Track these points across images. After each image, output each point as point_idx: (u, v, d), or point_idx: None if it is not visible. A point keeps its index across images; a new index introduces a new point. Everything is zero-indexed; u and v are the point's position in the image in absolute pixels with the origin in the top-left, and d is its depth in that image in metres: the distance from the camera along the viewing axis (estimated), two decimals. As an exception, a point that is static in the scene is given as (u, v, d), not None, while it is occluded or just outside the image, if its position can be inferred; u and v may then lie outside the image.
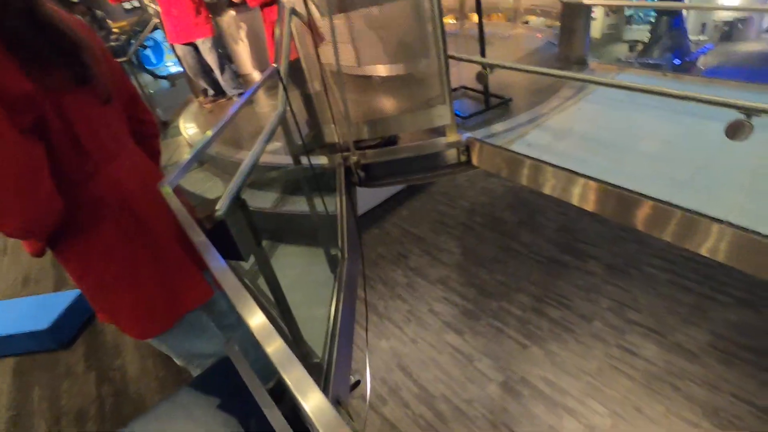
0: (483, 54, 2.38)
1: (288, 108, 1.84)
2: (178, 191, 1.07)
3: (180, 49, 3.52)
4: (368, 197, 4.96)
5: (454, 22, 4.30)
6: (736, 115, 1.15)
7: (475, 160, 2.20)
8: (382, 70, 3.20)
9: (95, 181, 1.01)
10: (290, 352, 0.57)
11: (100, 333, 3.03)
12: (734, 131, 1.14)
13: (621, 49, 4.77)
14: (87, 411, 2.71)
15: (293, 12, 1.87)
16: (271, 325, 0.61)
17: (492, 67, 2.04)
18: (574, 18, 2.67)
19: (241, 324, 1.21)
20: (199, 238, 0.85)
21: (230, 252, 1.04)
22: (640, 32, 4.54)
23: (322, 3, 1.94)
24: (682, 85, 2.35)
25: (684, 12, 4.34)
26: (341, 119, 2.04)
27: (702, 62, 4.10)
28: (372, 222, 5.23)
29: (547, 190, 1.92)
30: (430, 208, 5.22)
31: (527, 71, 1.90)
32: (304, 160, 1.76)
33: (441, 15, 1.84)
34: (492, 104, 2.39)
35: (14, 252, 4.86)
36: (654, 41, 4.12)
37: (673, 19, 4.07)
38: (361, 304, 3.39)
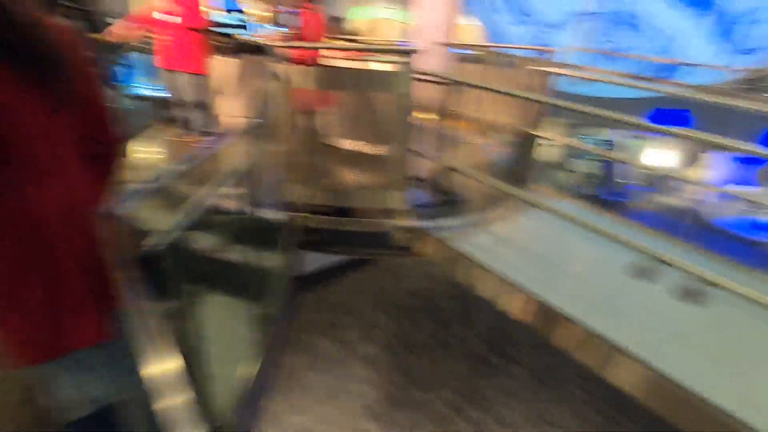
0: (440, 156, 2.62)
1: (254, 161, 1.90)
2: (118, 219, 1.04)
3: (168, 74, 3.56)
4: (313, 260, 4.88)
5: (436, 118, 4.70)
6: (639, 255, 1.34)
7: (416, 248, 2.30)
8: (350, 144, 3.39)
9: (10, 197, 0.96)
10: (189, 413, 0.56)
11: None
12: (640, 272, 1.31)
13: (565, 176, 5.38)
14: None
15: (274, 75, 2.02)
16: (177, 378, 0.60)
17: (445, 168, 2.25)
18: (522, 143, 3.03)
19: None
20: (122, 273, 0.83)
21: (156, 290, 0.99)
22: (579, 166, 5.21)
23: (307, 78, 2.10)
24: (598, 219, 2.67)
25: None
26: (299, 180, 2.12)
27: (624, 201, 4.75)
28: (312, 285, 5.10)
29: (478, 290, 2.03)
30: (372, 282, 5.20)
31: (475, 179, 2.12)
32: (255, 211, 1.79)
33: (409, 114, 2.06)
34: (443, 200, 2.57)
35: None
36: (588, 176, 4.74)
37: (605, 162, 4.78)
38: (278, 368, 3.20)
